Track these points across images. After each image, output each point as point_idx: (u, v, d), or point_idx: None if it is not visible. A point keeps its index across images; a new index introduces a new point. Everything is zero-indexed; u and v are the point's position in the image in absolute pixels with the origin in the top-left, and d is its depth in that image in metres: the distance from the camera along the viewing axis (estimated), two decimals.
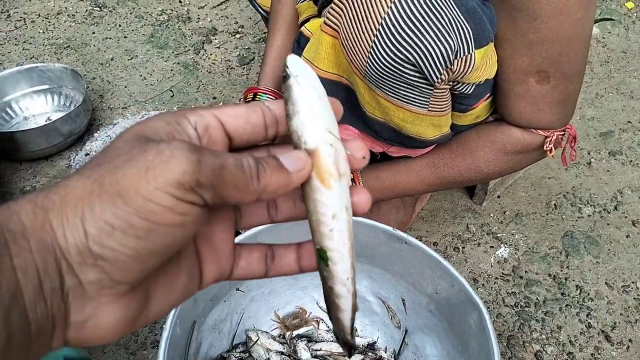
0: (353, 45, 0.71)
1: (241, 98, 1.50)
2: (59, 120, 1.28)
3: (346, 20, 0.71)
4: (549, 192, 1.25)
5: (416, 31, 0.67)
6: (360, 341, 0.93)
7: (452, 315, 0.82)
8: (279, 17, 1.05)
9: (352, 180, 0.97)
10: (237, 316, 0.90)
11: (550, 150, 0.86)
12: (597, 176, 1.30)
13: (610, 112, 1.48)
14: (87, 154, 1.32)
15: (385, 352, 0.91)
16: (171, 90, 1.53)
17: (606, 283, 1.07)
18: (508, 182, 1.26)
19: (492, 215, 1.20)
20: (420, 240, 1.15)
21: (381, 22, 0.67)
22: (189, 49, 1.68)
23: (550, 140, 0.85)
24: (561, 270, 1.10)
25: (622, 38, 1.74)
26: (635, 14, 1.82)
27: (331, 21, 0.74)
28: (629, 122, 1.45)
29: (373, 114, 0.84)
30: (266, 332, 0.91)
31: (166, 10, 1.84)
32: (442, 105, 0.81)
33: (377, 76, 0.73)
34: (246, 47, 1.69)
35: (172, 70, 1.60)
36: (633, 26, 1.78)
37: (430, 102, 0.79)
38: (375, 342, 0.93)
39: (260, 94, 1.00)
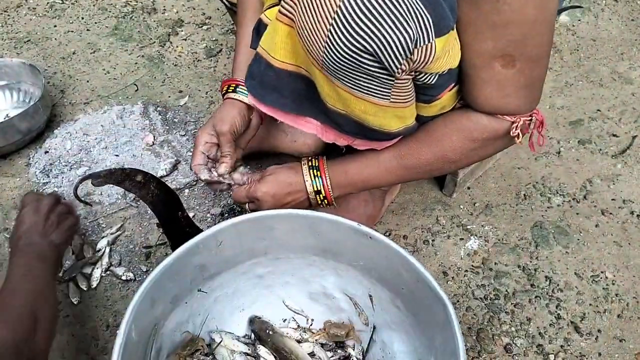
0: (309, 35, 0.69)
1: (208, 91, 1.46)
2: (17, 117, 1.23)
3: (301, 8, 0.68)
4: (519, 182, 1.25)
5: (373, 19, 0.64)
6: (327, 338, 0.91)
7: (419, 310, 0.80)
8: (248, 6, 1.02)
9: (319, 174, 0.95)
10: (200, 318, 0.87)
11: (518, 136, 0.84)
12: (567, 165, 1.29)
13: (580, 100, 1.48)
14: (46, 152, 1.27)
15: (354, 350, 0.90)
16: (135, 85, 1.48)
17: (575, 273, 1.07)
18: (478, 173, 1.25)
19: (462, 206, 1.19)
20: (390, 234, 1.14)
21: (336, 10, 0.64)
22: (154, 42, 1.63)
23: (517, 125, 0.84)
24: (530, 262, 1.09)
25: (592, 26, 1.74)
26: (604, 1, 1.83)
27: (286, 9, 0.71)
28: (598, 110, 1.45)
29: (334, 106, 0.82)
30: (230, 333, 0.89)
31: (130, 1, 1.78)
32: (404, 96, 0.78)
33: (336, 67, 0.70)
34: (214, 38, 1.65)
35: (136, 63, 1.55)
36: (602, 13, 1.78)
37: (392, 93, 0.76)
38: (343, 341, 0.91)
39: (241, 87, 0.96)
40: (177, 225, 0.93)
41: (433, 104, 0.84)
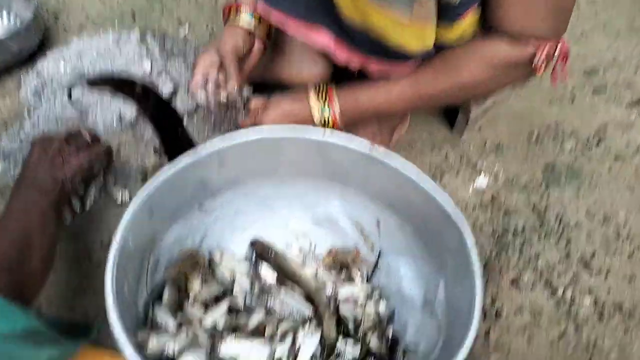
0: None
1: (209, 23, 1.40)
2: (8, 37, 1.17)
3: None
4: (531, 125, 1.20)
5: None
6: (331, 262, 0.88)
7: (430, 235, 0.77)
8: None
9: (328, 102, 0.90)
10: (199, 235, 0.83)
11: (540, 67, 0.80)
12: (581, 112, 1.25)
13: (596, 50, 1.43)
14: (38, 74, 1.21)
15: (358, 274, 0.86)
16: (133, 13, 1.41)
17: (586, 214, 1.04)
18: (490, 114, 1.20)
19: (471, 146, 1.15)
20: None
21: None
22: None
23: (542, 53, 0.79)
24: (541, 201, 1.06)
25: None
26: None
27: None
28: (614, 60, 1.40)
29: (351, 17, 0.76)
30: (231, 253, 0.85)
31: None
32: (426, 12, 0.74)
33: None
34: None
35: None
36: None
37: (414, 9, 0.72)
38: (347, 264, 0.88)
39: (245, 10, 0.91)
40: (176, 142, 0.89)
41: (455, 27, 0.80)
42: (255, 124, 0.89)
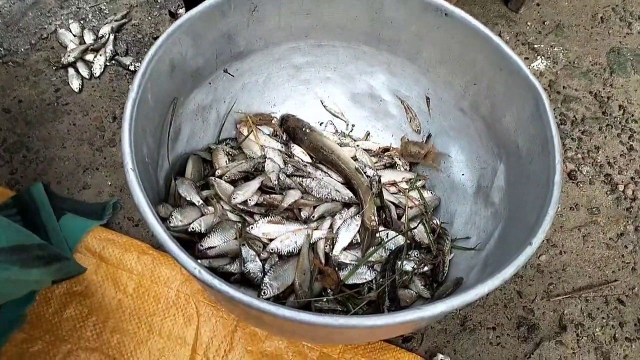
0: None
1: None
2: None
3: None
4: (596, 3, 1.05)
5: None
6: (371, 145, 0.79)
7: (493, 109, 0.66)
8: None
9: None
10: (224, 105, 0.73)
11: None
12: None
13: None
14: None
15: (400, 160, 0.77)
16: None
17: None
18: None
19: (529, 24, 1.01)
20: None
21: None
22: None
23: None
24: (604, 88, 0.94)
25: None
26: None
27: None
28: None
29: None
30: (260, 128, 0.75)
31: None
32: None
33: None
34: None
35: None
36: None
37: None
38: (389, 148, 0.79)
39: None
40: None
41: None
42: None
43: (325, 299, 0.62)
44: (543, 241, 0.77)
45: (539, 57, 0.96)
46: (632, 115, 0.91)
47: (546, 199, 0.52)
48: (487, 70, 0.64)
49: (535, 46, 0.98)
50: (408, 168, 0.77)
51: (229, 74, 0.71)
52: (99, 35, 0.91)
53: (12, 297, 0.63)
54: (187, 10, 0.79)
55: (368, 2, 0.66)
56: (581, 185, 0.83)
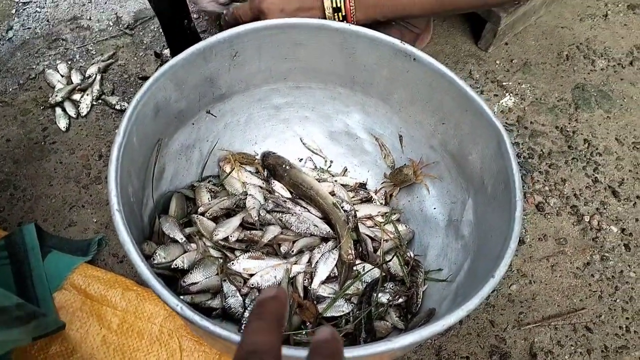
0: None
1: None
2: None
3: None
4: (561, 42, 1.12)
5: None
6: (348, 181, 0.82)
7: (460, 147, 0.71)
8: None
9: None
10: (207, 144, 0.77)
11: None
12: (614, 29, 1.16)
13: None
14: None
15: (376, 194, 0.81)
16: None
17: (616, 138, 0.98)
18: (518, 28, 1.11)
19: (498, 62, 1.07)
20: None
21: None
22: None
23: None
24: (569, 123, 0.99)
25: None
26: None
27: None
28: None
29: None
30: (242, 166, 0.79)
31: None
32: None
33: None
34: None
35: None
36: None
37: None
38: (365, 184, 0.82)
39: None
40: (182, 37, 0.80)
41: None
42: (254, 7, 0.78)
43: (304, 332, 0.64)
44: (513, 271, 0.81)
45: (507, 94, 1.02)
46: (597, 149, 0.96)
47: (508, 233, 0.55)
48: (454, 110, 0.68)
49: (504, 83, 1.03)
50: (384, 202, 0.81)
51: (212, 114, 0.74)
52: (86, 75, 0.95)
53: None
54: (171, 51, 0.83)
55: (342, 48, 0.71)
56: (549, 216, 0.87)
